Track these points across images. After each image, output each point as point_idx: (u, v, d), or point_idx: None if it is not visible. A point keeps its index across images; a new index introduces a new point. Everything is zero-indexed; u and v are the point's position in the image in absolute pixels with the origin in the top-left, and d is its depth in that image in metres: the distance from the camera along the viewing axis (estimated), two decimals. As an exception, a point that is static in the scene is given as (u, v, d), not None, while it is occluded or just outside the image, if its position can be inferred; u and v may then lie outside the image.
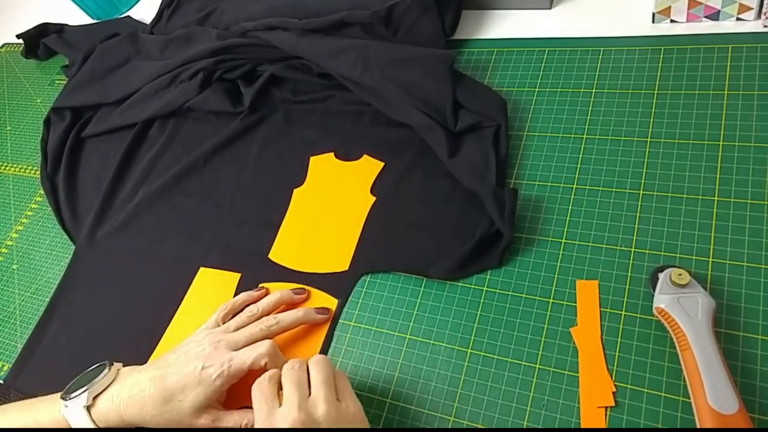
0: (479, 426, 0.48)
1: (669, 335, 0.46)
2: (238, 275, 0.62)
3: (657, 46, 0.63)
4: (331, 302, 0.58)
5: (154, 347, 0.61)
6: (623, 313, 0.49)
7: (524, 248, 0.55)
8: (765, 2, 0.58)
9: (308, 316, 0.56)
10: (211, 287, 0.63)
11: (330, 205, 0.64)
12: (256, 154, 0.71)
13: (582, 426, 0.46)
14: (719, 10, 0.61)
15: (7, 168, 0.87)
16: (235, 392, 0.52)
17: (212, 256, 0.65)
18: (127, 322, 0.64)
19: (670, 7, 0.62)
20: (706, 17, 0.62)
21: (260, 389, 0.46)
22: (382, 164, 0.65)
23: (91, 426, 0.50)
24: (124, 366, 0.54)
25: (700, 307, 0.45)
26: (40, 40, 0.97)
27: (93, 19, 1.02)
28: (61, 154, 0.81)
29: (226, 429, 0.50)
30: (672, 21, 0.63)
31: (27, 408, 0.53)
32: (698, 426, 0.42)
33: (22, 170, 0.86)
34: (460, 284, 0.55)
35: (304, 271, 0.60)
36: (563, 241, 0.54)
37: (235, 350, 0.51)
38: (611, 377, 0.47)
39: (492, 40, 0.71)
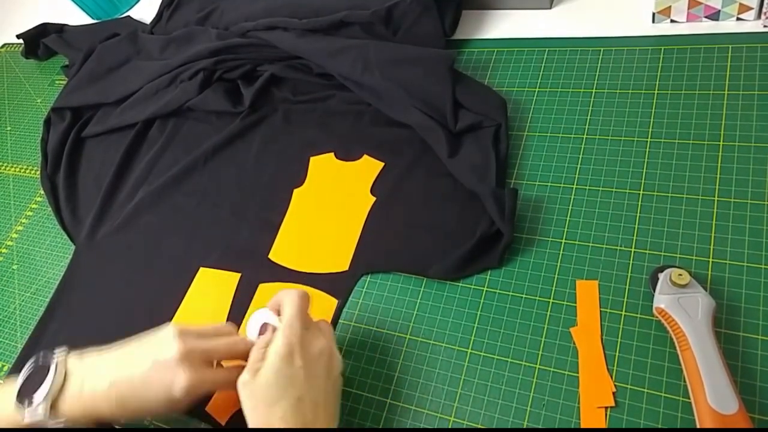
0: (479, 426, 0.48)
1: (669, 335, 0.46)
2: (238, 275, 0.62)
3: (657, 46, 0.63)
4: (331, 302, 0.58)
5: (154, 347, 0.60)
6: (623, 313, 0.49)
7: (524, 248, 0.55)
8: (765, 2, 0.58)
9: None
10: (212, 287, 0.63)
11: (330, 205, 0.64)
12: (256, 154, 0.71)
13: (582, 426, 0.46)
14: (719, 10, 0.61)
15: (7, 168, 0.87)
16: None
17: (212, 256, 0.65)
18: (127, 322, 0.63)
19: (670, 7, 0.62)
20: (706, 17, 0.62)
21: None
22: (382, 164, 0.65)
23: (61, 426, 0.48)
24: (68, 353, 0.50)
25: (700, 307, 0.45)
26: (40, 40, 0.97)
27: (93, 19, 1.02)
28: (61, 154, 0.81)
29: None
30: (672, 21, 0.63)
31: None
32: (698, 426, 0.42)
33: (22, 170, 0.86)
34: (460, 284, 0.55)
35: (304, 271, 0.60)
36: (563, 241, 0.54)
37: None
38: (611, 377, 0.47)
39: (492, 40, 0.71)
